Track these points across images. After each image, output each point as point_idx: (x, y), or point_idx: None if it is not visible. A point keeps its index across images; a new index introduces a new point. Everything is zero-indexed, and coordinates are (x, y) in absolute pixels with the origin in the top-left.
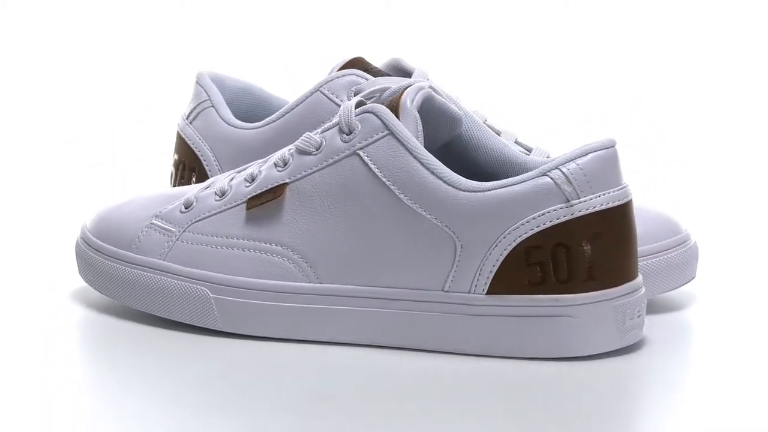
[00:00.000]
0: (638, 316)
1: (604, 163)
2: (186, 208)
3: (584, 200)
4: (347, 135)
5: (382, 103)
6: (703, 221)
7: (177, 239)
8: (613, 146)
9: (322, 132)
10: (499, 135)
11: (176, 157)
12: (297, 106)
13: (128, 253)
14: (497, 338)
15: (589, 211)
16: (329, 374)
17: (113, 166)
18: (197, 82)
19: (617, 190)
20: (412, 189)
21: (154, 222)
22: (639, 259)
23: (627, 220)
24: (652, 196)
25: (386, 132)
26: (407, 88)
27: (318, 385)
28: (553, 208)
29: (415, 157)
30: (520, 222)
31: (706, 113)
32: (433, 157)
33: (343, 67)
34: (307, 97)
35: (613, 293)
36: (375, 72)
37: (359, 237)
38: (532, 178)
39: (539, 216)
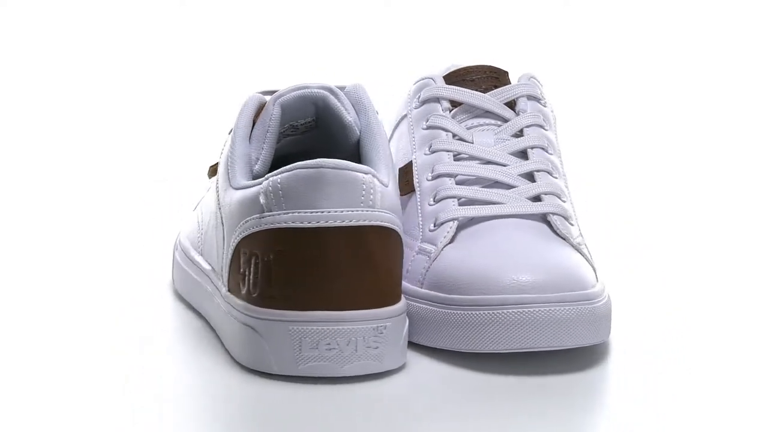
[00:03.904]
0: (327, 350)
1: (304, 181)
2: None
3: (273, 215)
4: None
5: None
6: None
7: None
8: (322, 167)
9: None
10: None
11: None
12: None
13: None
14: (226, 338)
15: (274, 227)
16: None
17: None
18: None
19: (313, 212)
20: (220, 179)
21: None
22: (528, 305)
23: (322, 245)
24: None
25: None
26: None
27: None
28: (252, 217)
29: (231, 147)
30: (238, 225)
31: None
32: (239, 150)
33: (455, 72)
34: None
35: (287, 316)
36: (478, 80)
37: (211, 219)
38: (258, 185)
39: (245, 223)
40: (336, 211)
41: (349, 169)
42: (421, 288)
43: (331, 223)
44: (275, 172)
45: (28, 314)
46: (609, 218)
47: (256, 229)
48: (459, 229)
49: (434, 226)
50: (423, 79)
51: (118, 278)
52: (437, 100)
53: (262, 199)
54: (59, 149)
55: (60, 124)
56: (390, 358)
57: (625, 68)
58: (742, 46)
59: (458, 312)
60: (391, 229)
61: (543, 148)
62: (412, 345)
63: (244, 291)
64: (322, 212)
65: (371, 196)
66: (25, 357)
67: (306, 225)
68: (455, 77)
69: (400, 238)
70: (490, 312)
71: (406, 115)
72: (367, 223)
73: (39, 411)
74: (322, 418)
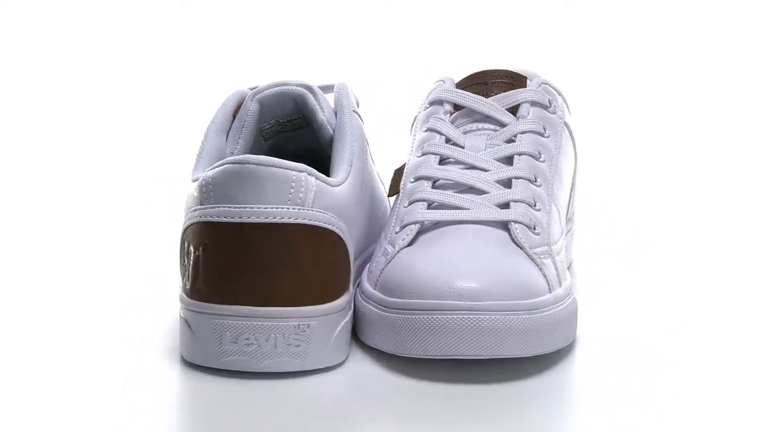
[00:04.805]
0: (246, 345)
1: (230, 176)
2: None
3: (202, 208)
4: None
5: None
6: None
7: None
8: (246, 163)
9: None
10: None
11: None
12: None
13: None
14: None
15: (202, 220)
16: None
17: None
18: None
19: (236, 207)
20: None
21: None
22: (457, 311)
23: (243, 240)
24: None
25: None
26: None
27: None
28: (191, 209)
29: (203, 140)
30: (185, 217)
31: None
32: (209, 144)
33: (472, 75)
34: None
35: (210, 308)
36: (496, 86)
37: None
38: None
39: (186, 215)
40: (259, 208)
41: (275, 166)
42: (374, 289)
43: (254, 219)
44: (212, 166)
45: (29, 314)
46: (609, 218)
47: (190, 222)
48: (421, 232)
49: (399, 228)
50: (438, 81)
51: (120, 278)
52: (441, 102)
53: (195, 193)
54: (59, 149)
55: (63, 125)
56: (315, 357)
57: (629, 69)
58: (743, 50)
59: (392, 315)
60: (324, 228)
61: (531, 155)
62: (365, 346)
63: (182, 283)
64: (245, 208)
65: (300, 194)
66: (25, 357)
67: (229, 220)
68: (471, 81)
69: (339, 238)
70: (420, 317)
71: (416, 117)
72: (292, 220)
73: (39, 411)
74: (232, 414)
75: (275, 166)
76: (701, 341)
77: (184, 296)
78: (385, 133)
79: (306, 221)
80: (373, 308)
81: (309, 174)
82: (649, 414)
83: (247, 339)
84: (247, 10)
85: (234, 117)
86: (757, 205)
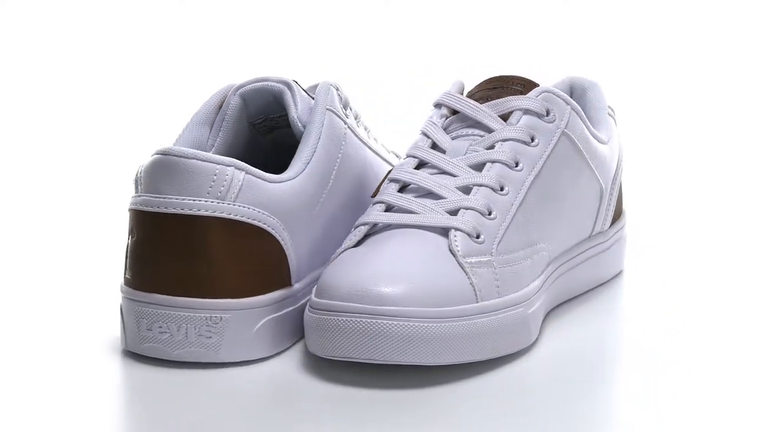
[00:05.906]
0: (160, 332)
1: (154, 167)
2: None
3: (134, 197)
4: None
5: None
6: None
7: None
8: (168, 154)
9: None
10: None
11: None
12: None
13: None
14: None
15: (132, 208)
16: None
17: None
18: None
19: (155, 197)
20: None
21: None
22: (365, 315)
23: (159, 230)
24: None
25: None
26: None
27: None
28: (131, 196)
29: (182, 130)
30: None
31: None
32: (186, 136)
33: (487, 80)
34: None
35: (133, 295)
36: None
37: None
38: None
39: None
40: (177, 199)
41: (196, 159)
42: (314, 288)
43: (171, 210)
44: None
45: (27, 314)
46: None
47: (128, 210)
48: (371, 234)
49: (354, 228)
50: (450, 80)
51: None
52: (439, 106)
53: (133, 182)
54: (59, 149)
55: (46, 121)
56: (230, 350)
57: (631, 69)
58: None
59: (311, 315)
60: (246, 223)
61: (505, 164)
62: None
63: None
64: (165, 198)
65: (222, 188)
66: (24, 356)
67: (149, 209)
68: (487, 85)
69: (268, 234)
70: (327, 318)
71: None
72: (209, 213)
73: (37, 411)
74: (140, 399)
75: (197, 159)
76: (701, 341)
77: (121, 283)
78: (385, 133)
79: (224, 215)
80: (306, 307)
81: (237, 168)
82: (649, 414)
83: (161, 327)
84: (256, 11)
85: (219, 110)
86: (755, 204)
